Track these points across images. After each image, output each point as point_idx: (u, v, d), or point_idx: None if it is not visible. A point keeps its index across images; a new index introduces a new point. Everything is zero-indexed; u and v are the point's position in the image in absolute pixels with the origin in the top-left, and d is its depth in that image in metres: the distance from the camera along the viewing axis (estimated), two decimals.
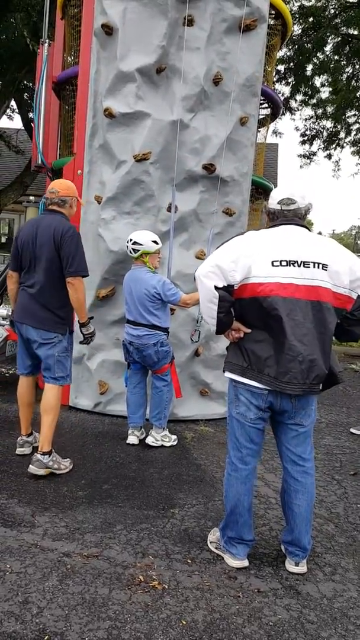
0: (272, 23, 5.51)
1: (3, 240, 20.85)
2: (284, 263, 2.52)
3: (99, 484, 3.66)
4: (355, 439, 5.23)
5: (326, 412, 6.15)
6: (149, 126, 4.74)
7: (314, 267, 2.52)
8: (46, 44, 5.65)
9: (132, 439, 4.47)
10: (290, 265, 2.52)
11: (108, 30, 4.77)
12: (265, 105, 5.97)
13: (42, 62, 5.66)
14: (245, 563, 2.81)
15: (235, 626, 2.35)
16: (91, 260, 4.85)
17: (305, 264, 2.52)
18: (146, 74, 4.73)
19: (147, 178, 4.77)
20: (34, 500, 3.34)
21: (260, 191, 6.03)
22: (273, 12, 5.44)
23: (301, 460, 2.72)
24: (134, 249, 4.35)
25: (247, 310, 2.61)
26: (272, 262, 2.52)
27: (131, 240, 4.35)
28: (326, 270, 2.54)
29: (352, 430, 5.49)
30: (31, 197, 6.17)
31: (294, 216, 2.68)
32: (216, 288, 2.51)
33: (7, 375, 6.48)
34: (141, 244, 4.33)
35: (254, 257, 2.53)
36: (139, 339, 4.32)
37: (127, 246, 4.39)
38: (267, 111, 6.27)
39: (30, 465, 3.67)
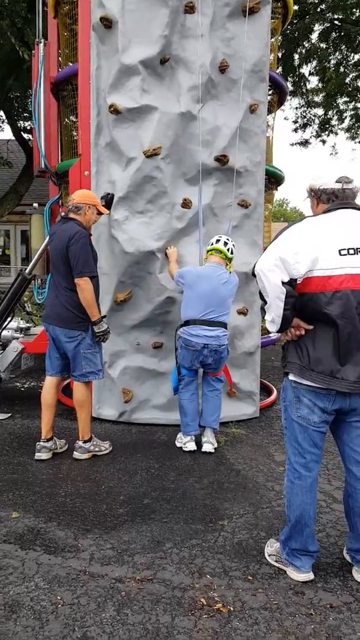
0: (272, 6, 5.29)
1: None
2: (351, 251, 2.30)
3: (139, 498, 3.45)
4: None
5: None
6: (157, 120, 4.53)
7: None
8: (41, 44, 5.43)
9: (193, 445, 4.29)
10: (358, 254, 2.31)
11: (107, 23, 4.57)
12: (271, 91, 5.75)
13: (38, 63, 5.45)
14: (311, 576, 2.61)
15: None
16: (106, 263, 4.68)
17: None
18: (150, 66, 4.52)
19: (159, 174, 4.56)
20: (74, 521, 3.13)
21: (273, 181, 5.82)
22: None
23: None
24: (232, 250, 4.33)
25: (309, 305, 2.39)
26: (340, 251, 2.31)
27: (230, 240, 4.36)
28: None
29: None
30: (35, 204, 5.93)
31: (353, 196, 2.47)
32: (282, 283, 2.30)
33: (22, 389, 6.27)
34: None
35: (319, 247, 2.31)
36: (218, 340, 4.15)
37: (226, 243, 4.30)
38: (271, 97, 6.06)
39: (75, 452, 4.11)
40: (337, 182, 2.50)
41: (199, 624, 2.28)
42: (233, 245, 4.36)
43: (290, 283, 2.34)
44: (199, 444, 4.33)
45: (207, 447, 4.27)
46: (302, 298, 2.40)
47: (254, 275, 2.46)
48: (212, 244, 4.32)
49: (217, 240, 4.31)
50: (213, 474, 3.87)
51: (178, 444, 4.40)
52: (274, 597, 2.48)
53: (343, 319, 2.32)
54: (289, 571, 2.63)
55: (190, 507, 3.34)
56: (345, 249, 2.31)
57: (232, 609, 2.39)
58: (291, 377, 2.51)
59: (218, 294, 4.15)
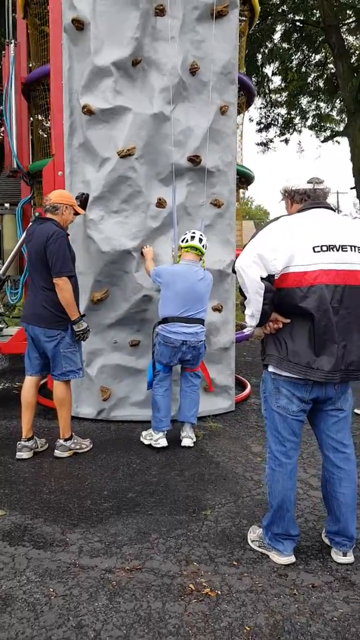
0: (240, 8, 5.41)
1: None
2: (324, 248, 2.44)
3: (122, 493, 3.53)
4: None
5: None
6: (130, 121, 4.59)
7: (351, 250, 2.46)
8: (12, 44, 5.43)
9: (164, 442, 4.28)
10: (330, 250, 2.45)
11: (79, 25, 4.61)
12: (240, 92, 5.87)
13: (8, 63, 5.44)
14: (293, 559, 2.73)
15: (300, 626, 2.27)
16: (82, 263, 4.72)
17: (342, 247, 2.45)
18: (122, 68, 4.59)
19: (133, 174, 4.63)
20: (60, 517, 3.19)
21: (243, 180, 5.96)
22: None
23: (342, 447, 2.66)
24: (206, 245, 4.41)
25: (286, 300, 2.51)
26: (314, 248, 2.44)
27: (203, 235, 4.44)
28: None
29: (355, 410, 5.48)
30: (6, 204, 5.92)
31: (324, 196, 2.61)
32: (261, 279, 2.41)
33: None
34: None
35: (294, 245, 2.44)
36: (196, 337, 4.23)
37: (201, 239, 4.37)
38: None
39: (55, 450, 4.14)
40: (308, 182, 2.66)
41: (189, 608, 2.37)
42: (206, 240, 4.44)
43: (269, 279, 2.45)
44: (170, 440, 4.33)
45: (187, 442, 4.35)
46: (280, 293, 2.52)
47: (234, 272, 2.57)
48: (187, 240, 4.37)
49: (192, 237, 4.36)
50: (194, 467, 3.97)
51: (146, 442, 4.36)
52: (259, 580, 2.59)
53: (319, 312, 2.45)
54: (272, 555, 2.75)
55: (174, 499, 3.44)
56: (318, 246, 2.45)
57: (219, 592, 2.49)
58: (270, 369, 2.63)
59: (195, 291, 4.24)
